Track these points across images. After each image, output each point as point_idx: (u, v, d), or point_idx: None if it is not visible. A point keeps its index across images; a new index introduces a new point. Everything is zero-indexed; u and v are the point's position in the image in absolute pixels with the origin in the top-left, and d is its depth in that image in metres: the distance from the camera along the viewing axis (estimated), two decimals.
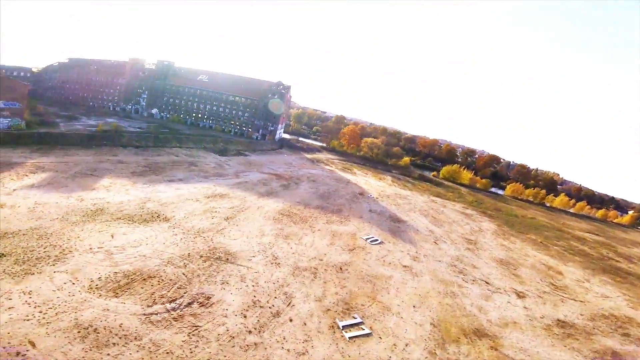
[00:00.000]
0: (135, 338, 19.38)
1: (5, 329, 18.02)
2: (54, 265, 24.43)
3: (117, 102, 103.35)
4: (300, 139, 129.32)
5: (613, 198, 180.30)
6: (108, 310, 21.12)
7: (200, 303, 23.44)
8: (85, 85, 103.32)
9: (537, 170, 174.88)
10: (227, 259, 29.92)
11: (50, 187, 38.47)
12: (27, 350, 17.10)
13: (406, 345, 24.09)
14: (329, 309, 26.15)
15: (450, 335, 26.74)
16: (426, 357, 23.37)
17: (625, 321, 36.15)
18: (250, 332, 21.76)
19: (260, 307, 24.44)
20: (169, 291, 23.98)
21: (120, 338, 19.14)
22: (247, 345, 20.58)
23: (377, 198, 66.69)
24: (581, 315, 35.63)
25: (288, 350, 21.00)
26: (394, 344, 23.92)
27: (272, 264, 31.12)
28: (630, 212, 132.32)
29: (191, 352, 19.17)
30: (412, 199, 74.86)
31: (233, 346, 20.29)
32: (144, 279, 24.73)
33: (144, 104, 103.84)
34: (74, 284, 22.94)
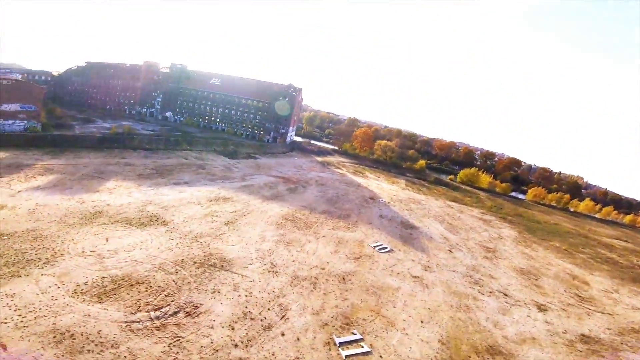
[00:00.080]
0: (112, 346, 18.41)
1: None
2: (42, 268, 23.82)
3: (133, 105, 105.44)
4: (312, 141, 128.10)
5: None
6: (89, 316, 20.23)
7: (187, 312, 22.07)
8: (103, 88, 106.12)
9: (560, 173, 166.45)
10: (222, 266, 28.53)
11: (55, 189, 38.52)
12: None
13: None
14: (326, 324, 24.20)
15: (460, 353, 24.24)
16: None
17: None
18: (236, 345, 20.15)
19: (251, 319, 22.81)
20: (155, 299, 22.77)
21: (96, 345, 18.26)
22: None
23: (388, 203, 64.16)
24: (608, 329, 32.75)
25: None
26: None
27: (269, 272, 29.49)
28: None
29: None
30: (427, 203, 71.75)
31: None
32: (132, 285, 23.66)
33: (159, 107, 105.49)
34: (59, 287, 22.19)
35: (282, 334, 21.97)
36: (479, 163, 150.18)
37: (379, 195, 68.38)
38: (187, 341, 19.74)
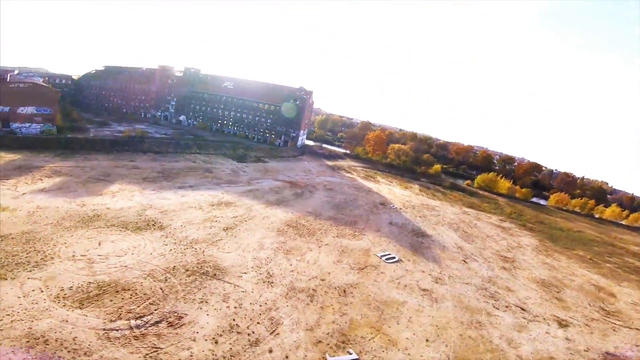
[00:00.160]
0: (85, 353, 17.53)
1: None
2: (30, 271, 23.29)
3: (148, 109, 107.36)
4: (324, 145, 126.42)
5: None
6: (67, 321, 19.46)
7: (169, 322, 20.79)
8: (120, 92, 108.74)
9: (583, 178, 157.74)
10: (215, 275, 27.20)
11: (59, 192, 38.57)
12: None
13: None
14: (320, 341, 22.31)
15: None
16: None
17: None
18: None
19: (238, 332, 21.26)
20: (139, 306, 21.66)
21: (69, 352, 17.46)
22: None
23: (400, 209, 61.57)
24: (636, 345, 29.96)
25: None
26: None
27: (264, 282, 27.89)
28: None
29: None
30: (441, 210, 68.58)
31: None
32: (117, 291, 22.69)
33: (173, 110, 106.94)
34: (42, 291, 21.56)
35: (270, 351, 20.29)
36: (497, 168, 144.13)
37: (390, 201, 65.87)
38: (166, 353, 18.44)
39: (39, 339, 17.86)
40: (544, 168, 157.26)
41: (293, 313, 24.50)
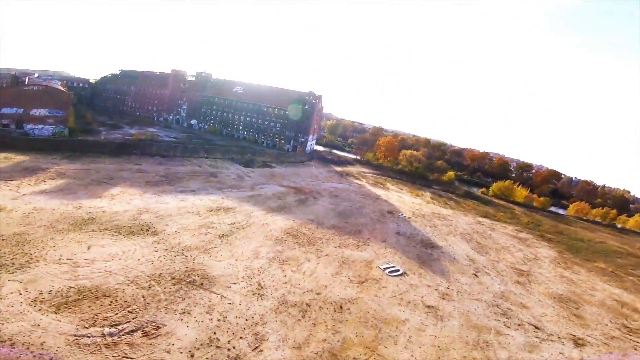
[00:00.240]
0: (51, 359, 16.74)
1: None
2: (12, 273, 22.76)
3: (161, 113, 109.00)
4: (334, 151, 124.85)
5: None
6: (38, 326, 18.72)
7: (145, 332, 19.60)
8: (134, 95, 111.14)
9: (604, 187, 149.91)
10: (202, 284, 25.91)
11: (59, 194, 38.51)
12: None
13: None
14: None
15: None
16: None
17: None
18: None
19: (217, 347, 19.80)
20: (116, 314, 20.62)
21: (34, 356, 16.78)
22: None
23: (409, 218, 59.11)
24: None
25: None
26: None
27: (254, 294, 26.34)
28: None
29: None
30: (454, 219, 65.62)
31: None
32: (97, 297, 21.76)
33: (184, 114, 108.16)
34: (20, 294, 20.97)
35: None
36: (514, 175, 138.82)
37: (398, 209, 63.48)
38: None
39: (5, 342, 17.26)
40: (563, 176, 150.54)
41: (281, 329, 22.81)
